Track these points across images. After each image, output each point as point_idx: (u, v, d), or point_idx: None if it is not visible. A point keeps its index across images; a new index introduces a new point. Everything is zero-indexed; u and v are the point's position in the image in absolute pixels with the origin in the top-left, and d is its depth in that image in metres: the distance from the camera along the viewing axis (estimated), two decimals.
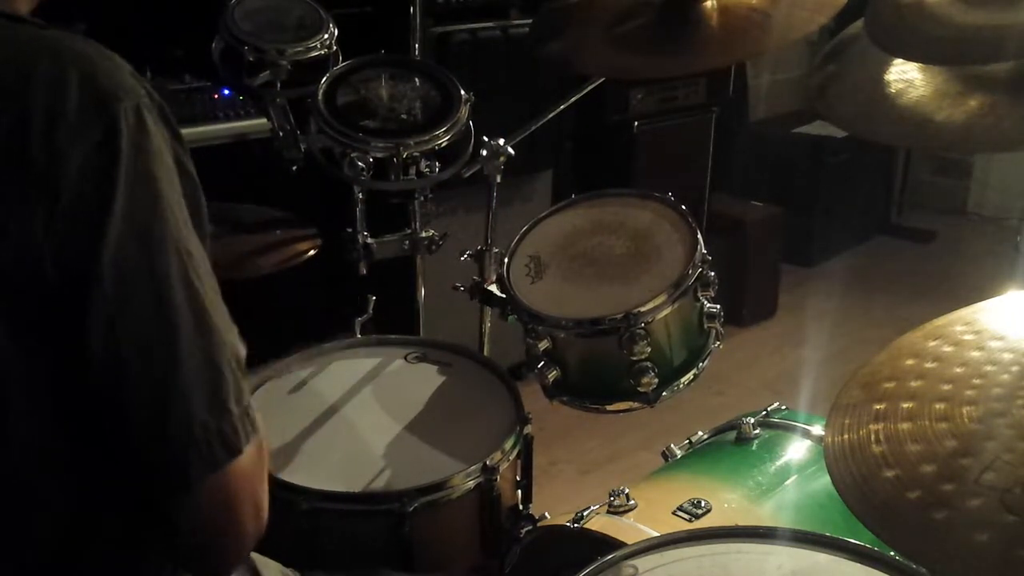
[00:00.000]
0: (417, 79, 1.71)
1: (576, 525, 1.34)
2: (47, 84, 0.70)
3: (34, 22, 0.78)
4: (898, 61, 1.19)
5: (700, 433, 1.67)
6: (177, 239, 0.74)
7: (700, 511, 1.35)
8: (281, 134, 1.69)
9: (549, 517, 1.42)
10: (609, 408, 1.39)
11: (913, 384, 0.91)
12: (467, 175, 1.69)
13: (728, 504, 1.40)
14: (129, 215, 0.71)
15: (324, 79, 1.66)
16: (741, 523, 1.22)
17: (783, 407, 1.68)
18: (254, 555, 1.05)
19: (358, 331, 1.68)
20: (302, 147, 1.67)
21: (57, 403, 0.73)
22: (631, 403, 1.36)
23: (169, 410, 0.73)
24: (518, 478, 1.41)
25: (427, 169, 1.68)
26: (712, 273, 1.34)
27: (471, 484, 1.29)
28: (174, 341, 0.73)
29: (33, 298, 0.69)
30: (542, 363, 1.36)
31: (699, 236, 1.36)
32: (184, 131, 0.80)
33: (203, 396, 0.74)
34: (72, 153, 0.69)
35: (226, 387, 0.75)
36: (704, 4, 1.50)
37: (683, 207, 1.42)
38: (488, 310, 1.71)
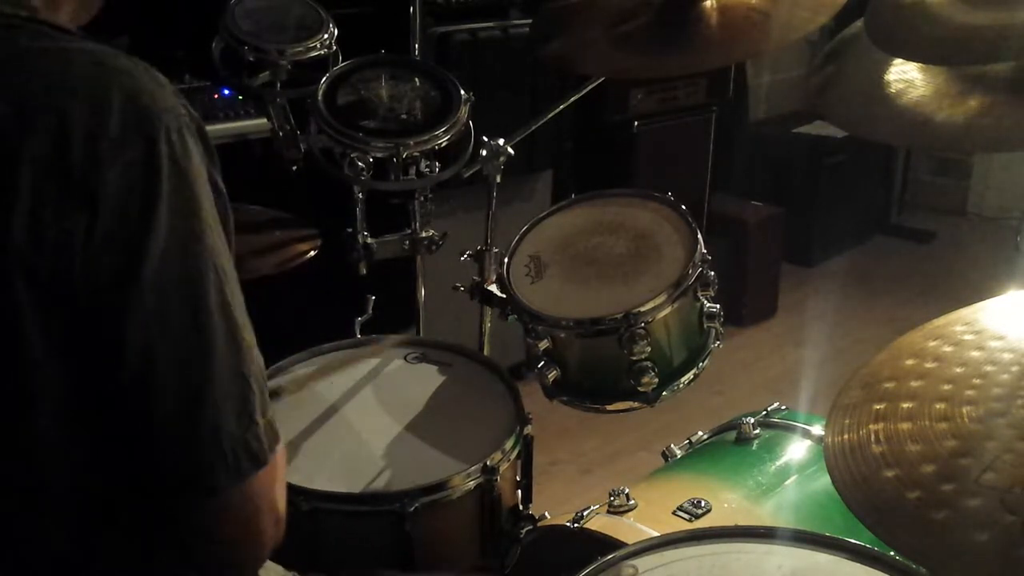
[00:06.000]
0: (417, 79, 1.71)
1: (576, 525, 1.34)
2: (90, 99, 0.71)
3: (77, 34, 0.79)
4: (898, 61, 1.19)
5: (700, 433, 1.68)
6: (214, 256, 0.75)
7: (700, 511, 1.35)
8: (281, 134, 1.69)
9: (549, 517, 1.42)
10: (609, 408, 1.39)
11: (913, 384, 0.91)
12: (467, 175, 1.69)
13: (728, 504, 1.40)
14: (170, 233, 0.72)
15: (324, 79, 1.66)
16: (741, 523, 1.22)
17: (783, 407, 1.68)
18: None
19: (358, 331, 1.68)
20: (302, 147, 1.67)
21: (85, 408, 0.73)
22: (631, 403, 1.36)
23: (199, 421, 0.74)
24: (518, 478, 1.41)
25: (427, 169, 1.67)
26: (712, 273, 1.34)
27: (471, 484, 1.29)
28: (208, 355, 0.74)
29: (68, 306, 0.70)
30: (542, 363, 1.36)
31: (699, 236, 1.36)
32: None
33: (232, 408, 0.75)
34: (112, 168, 0.70)
35: (253, 399, 0.77)
36: (704, 4, 1.50)
37: (683, 207, 1.42)
38: (488, 310, 1.71)
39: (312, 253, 1.83)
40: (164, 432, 0.74)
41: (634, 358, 1.30)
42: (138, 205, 0.71)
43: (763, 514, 1.40)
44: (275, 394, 1.45)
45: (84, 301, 0.70)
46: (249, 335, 0.78)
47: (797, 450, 1.56)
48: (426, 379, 1.52)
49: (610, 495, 1.39)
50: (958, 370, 0.90)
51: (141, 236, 0.71)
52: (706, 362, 1.39)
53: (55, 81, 0.71)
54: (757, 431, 1.59)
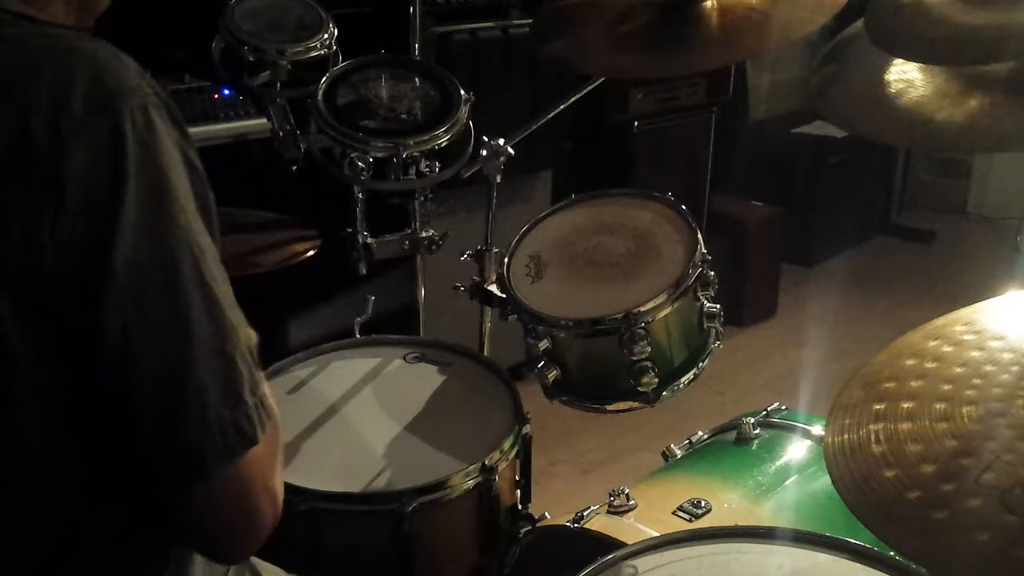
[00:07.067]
0: (417, 79, 1.71)
1: (576, 525, 1.34)
2: (51, 81, 0.70)
3: (44, 21, 0.78)
4: (898, 61, 1.19)
5: (700, 433, 1.67)
6: (188, 236, 0.74)
7: (700, 511, 1.35)
8: (281, 134, 1.69)
9: (549, 517, 1.42)
10: (609, 408, 1.38)
11: (913, 384, 0.91)
12: (467, 175, 1.69)
13: (728, 504, 1.40)
14: (140, 214, 0.71)
15: (324, 79, 1.66)
16: (741, 523, 1.22)
17: (783, 407, 1.68)
18: (256, 560, 1.05)
19: (358, 331, 1.68)
20: (302, 147, 1.67)
21: (64, 399, 0.73)
22: (631, 403, 1.36)
23: (185, 404, 0.73)
24: (517, 478, 1.41)
25: (427, 169, 1.67)
26: (712, 273, 1.34)
27: (470, 484, 1.29)
28: (188, 337, 0.73)
29: (41, 294, 0.70)
30: (542, 363, 1.36)
31: (699, 236, 1.36)
32: None
33: (218, 389, 0.75)
34: (77, 150, 0.69)
35: (240, 379, 0.76)
36: (704, 4, 1.50)
37: (683, 207, 1.42)
38: (488, 310, 1.71)
39: (312, 253, 1.83)
40: (149, 417, 0.73)
41: (634, 358, 1.30)
42: (105, 187, 0.70)
43: (763, 514, 1.40)
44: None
45: (57, 290, 0.70)
46: (234, 313, 0.77)
47: (797, 450, 1.56)
48: (426, 379, 1.52)
49: (610, 495, 1.39)
50: (958, 370, 0.90)
51: (110, 219, 0.70)
52: (706, 362, 1.39)
53: (14, 67, 0.71)
54: (757, 431, 1.59)
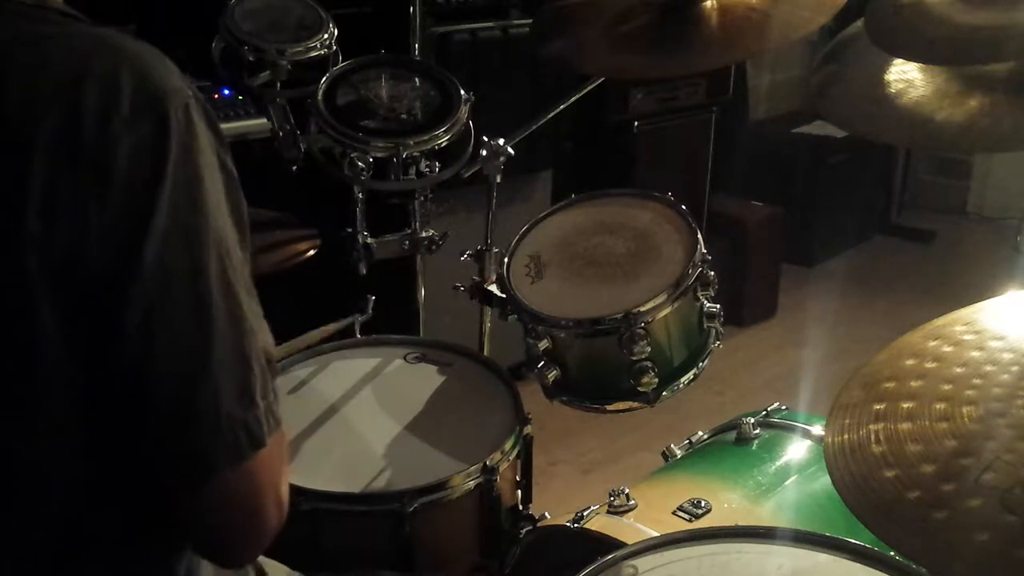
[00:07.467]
0: (417, 79, 1.71)
1: (576, 525, 1.34)
2: (101, 79, 0.72)
3: (85, 20, 0.80)
4: (898, 61, 1.19)
5: (700, 433, 1.67)
6: (217, 237, 0.76)
7: (700, 511, 1.35)
8: (281, 134, 1.69)
9: (549, 517, 1.42)
10: (609, 408, 1.39)
11: (913, 384, 0.91)
12: (467, 175, 1.69)
13: (728, 504, 1.40)
14: (174, 211, 0.73)
15: (324, 79, 1.66)
16: (741, 523, 1.22)
17: (783, 407, 1.68)
18: (260, 557, 1.05)
19: (358, 331, 1.68)
20: (302, 147, 1.67)
21: (90, 389, 0.74)
22: (631, 403, 1.36)
23: (198, 401, 0.74)
24: (518, 478, 1.41)
25: (427, 169, 1.68)
26: (712, 273, 1.34)
27: (471, 484, 1.29)
28: (208, 334, 0.74)
29: (78, 284, 0.71)
30: (542, 363, 1.36)
31: (699, 236, 1.36)
32: None
33: (232, 389, 0.75)
34: (123, 145, 0.71)
35: (254, 381, 0.77)
36: (704, 4, 1.50)
37: (683, 207, 1.42)
38: (488, 310, 1.71)
39: (312, 253, 1.83)
40: (163, 411, 0.74)
41: (634, 358, 1.30)
42: (144, 180, 0.72)
43: (763, 514, 1.40)
44: None
45: (94, 281, 0.71)
46: (253, 317, 0.78)
47: (797, 450, 1.56)
48: (426, 379, 1.52)
49: (610, 495, 1.39)
50: (958, 370, 0.90)
51: (145, 212, 0.72)
52: (706, 362, 1.39)
53: (66, 66, 0.73)
54: (757, 431, 1.59)
